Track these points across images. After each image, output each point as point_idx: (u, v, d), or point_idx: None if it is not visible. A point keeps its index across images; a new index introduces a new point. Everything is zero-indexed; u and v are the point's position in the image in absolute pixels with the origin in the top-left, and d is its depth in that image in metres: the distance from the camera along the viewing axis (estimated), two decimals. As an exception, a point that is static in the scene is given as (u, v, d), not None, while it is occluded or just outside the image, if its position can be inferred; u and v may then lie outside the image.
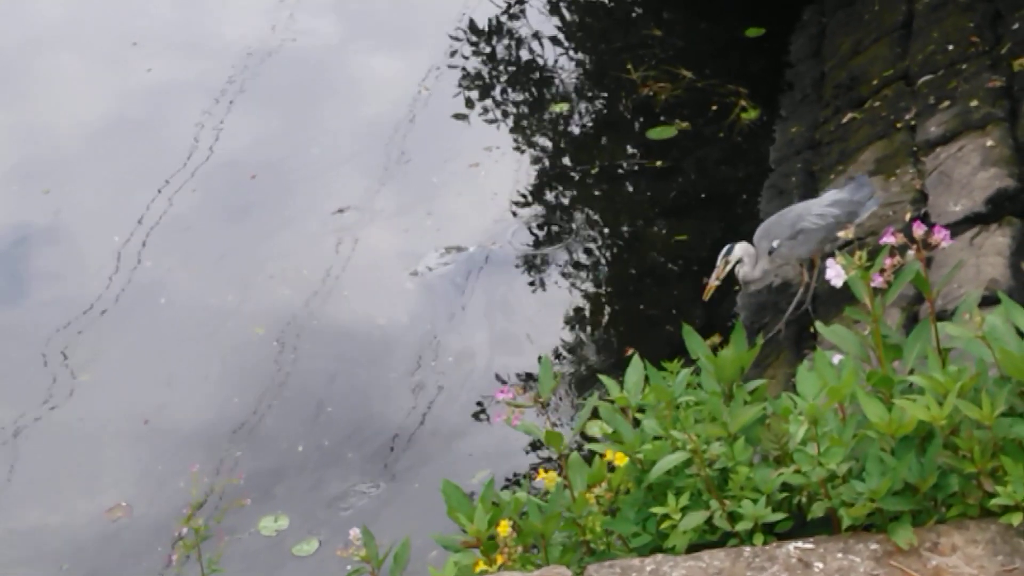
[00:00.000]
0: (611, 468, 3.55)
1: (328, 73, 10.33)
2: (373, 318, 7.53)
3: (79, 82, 10.43)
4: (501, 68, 10.09)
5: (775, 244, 6.37)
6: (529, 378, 6.91)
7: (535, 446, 6.41)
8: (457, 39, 10.39)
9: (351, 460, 6.64)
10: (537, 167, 8.81)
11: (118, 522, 6.39)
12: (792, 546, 3.28)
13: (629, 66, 9.58)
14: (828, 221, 6.30)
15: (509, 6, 10.81)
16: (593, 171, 8.63)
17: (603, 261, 7.88)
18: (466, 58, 10.17)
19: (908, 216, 6.68)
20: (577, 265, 7.82)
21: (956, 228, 6.28)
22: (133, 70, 10.42)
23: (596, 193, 8.46)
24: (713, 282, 6.46)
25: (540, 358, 5.93)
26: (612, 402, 3.77)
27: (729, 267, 6.41)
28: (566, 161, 8.91)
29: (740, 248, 6.40)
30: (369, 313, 7.56)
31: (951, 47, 8.02)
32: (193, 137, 9.36)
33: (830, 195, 6.56)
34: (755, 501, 3.29)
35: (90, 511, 6.45)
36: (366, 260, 8.01)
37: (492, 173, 8.73)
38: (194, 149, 9.22)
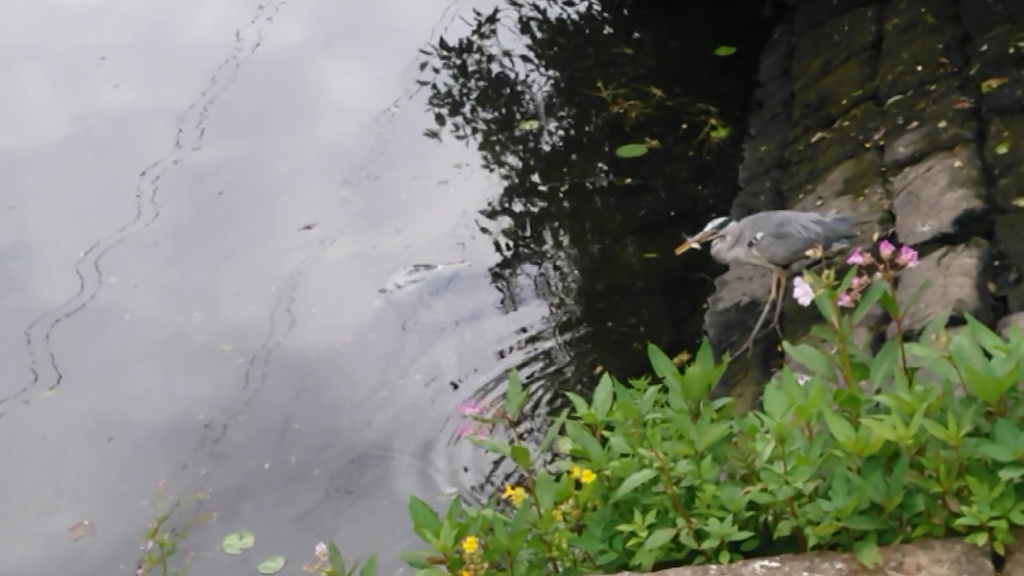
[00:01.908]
0: (578, 485, 3.54)
1: (297, 90, 10.33)
2: (340, 335, 7.51)
3: (46, 97, 10.40)
4: (471, 86, 10.10)
5: (759, 236, 6.40)
6: (497, 396, 6.89)
7: (503, 463, 6.39)
8: (428, 57, 10.40)
9: (318, 477, 6.60)
10: (506, 184, 8.80)
11: (81, 541, 6.32)
12: (758, 564, 3.27)
13: (599, 84, 9.59)
14: (811, 235, 6.36)
15: (480, 24, 10.82)
16: (562, 188, 8.63)
17: (572, 278, 7.87)
18: (436, 72, 10.18)
19: (876, 236, 6.69)
20: (546, 282, 7.81)
21: (924, 248, 6.30)
22: (100, 85, 10.40)
23: (565, 210, 8.46)
24: (692, 242, 6.50)
25: (509, 373, 5.93)
26: (580, 419, 3.76)
27: (713, 237, 6.44)
28: (535, 178, 8.91)
29: (732, 227, 6.48)
30: (337, 330, 7.54)
31: (920, 68, 8.06)
32: (160, 153, 9.33)
33: (813, 215, 6.63)
34: (721, 519, 3.28)
35: (53, 530, 6.38)
36: (334, 277, 7.99)
37: (461, 190, 8.72)
38: (161, 165, 9.19)
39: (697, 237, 6.49)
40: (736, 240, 6.46)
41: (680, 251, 6.56)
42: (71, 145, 9.63)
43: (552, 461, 5.18)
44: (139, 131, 9.72)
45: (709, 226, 6.47)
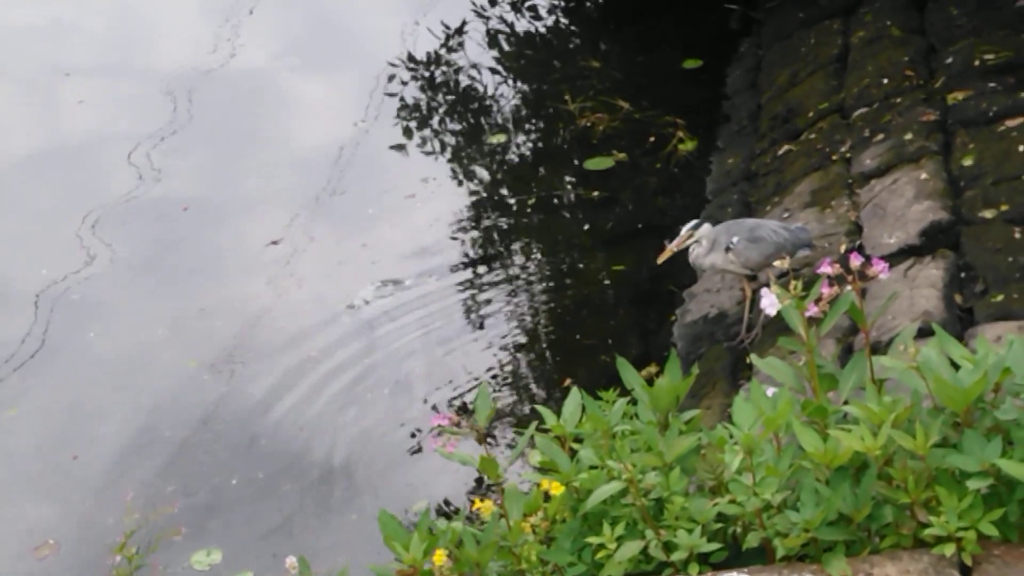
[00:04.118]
0: (547, 497, 3.53)
1: (263, 105, 10.30)
2: (308, 351, 7.46)
3: (10, 112, 10.34)
4: (439, 99, 10.09)
5: (735, 240, 6.47)
6: (466, 409, 6.87)
7: (472, 475, 6.37)
8: (395, 70, 10.39)
9: (286, 492, 6.56)
10: (474, 198, 8.79)
11: (45, 560, 6.25)
12: (727, 576, 3.27)
13: (567, 97, 9.60)
14: (781, 238, 6.46)
15: (448, 37, 10.83)
16: (530, 202, 8.63)
17: (540, 291, 7.86)
18: (404, 85, 10.19)
19: (843, 248, 6.72)
20: (514, 296, 7.80)
21: (890, 260, 6.32)
22: (65, 101, 10.36)
23: (533, 223, 8.46)
24: (671, 248, 6.57)
25: (478, 387, 5.91)
26: (549, 431, 3.75)
27: (691, 241, 6.52)
28: (503, 192, 8.90)
29: (705, 228, 6.57)
30: (304, 346, 7.49)
31: (886, 81, 8.10)
32: (124, 168, 9.28)
33: (777, 222, 6.73)
34: (690, 531, 3.27)
35: (17, 549, 6.30)
36: (301, 293, 7.95)
37: (429, 204, 8.70)
38: (126, 180, 9.14)
39: (675, 243, 6.55)
40: (712, 246, 6.52)
41: (662, 259, 6.62)
42: (35, 160, 9.58)
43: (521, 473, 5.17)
44: (104, 146, 9.67)
45: (684, 229, 6.54)
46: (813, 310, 3.47)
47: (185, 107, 10.10)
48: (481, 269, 8.06)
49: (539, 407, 3.92)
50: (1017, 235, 6.29)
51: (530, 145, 9.49)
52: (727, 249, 6.50)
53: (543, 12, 11.19)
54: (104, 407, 7.16)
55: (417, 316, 7.69)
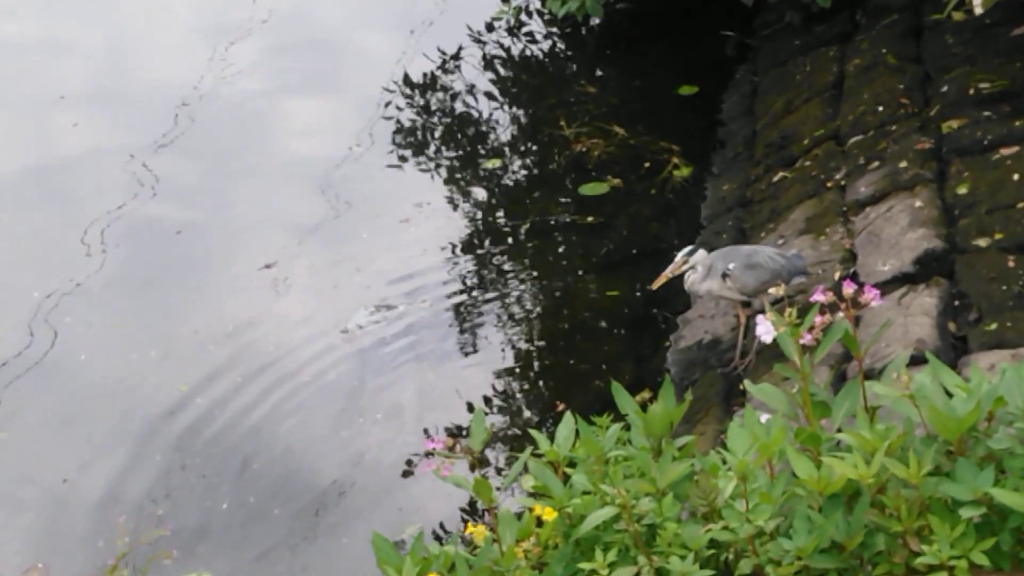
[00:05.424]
0: (540, 523, 3.53)
1: (258, 127, 10.30)
2: (300, 375, 7.44)
3: (2, 134, 10.33)
4: (434, 123, 10.11)
5: (731, 266, 6.49)
6: (459, 434, 6.85)
7: (465, 500, 6.36)
8: (391, 95, 10.41)
9: (278, 516, 6.54)
10: (468, 223, 8.79)
11: (34, 584, 6.24)
12: (720, 604, 3.26)
13: (562, 122, 9.61)
14: (777, 264, 6.48)
15: (444, 62, 10.85)
16: (524, 227, 8.63)
17: (534, 316, 7.86)
18: (400, 109, 10.20)
19: (837, 275, 6.73)
20: (508, 321, 7.79)
21: (884, 288, 6.33)
22: (59, 124, 10.36)
23: (527, 249, 8.45)
24: (666, 274, 6.61)
25: (472, 410, 5.90)
26: (542, 456, 3.75)
27: (686, 267, 6.54)
28: (498, 216, 8.90)
29: (700, 255, 6.58)
30: (296, 370, 7.47)
31: (881, 108, 8.11)
32: (119, 191, 9.27)
33: (773, 248, 6.74)
34: (683, 557, 3.26)
35: (6, 572, 6.28)
36: (294, 317, 7.93)
37: (423, 229, 8.70)
38: (119, 203, 9.13)
39: (670, 269, 6.57)
40: (708, 272, 6.53)
41: (656, 285, 6.63)
42: (28, 183, 9.58)
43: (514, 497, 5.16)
44: (97, 169, 9.65)
45: (679, 256, 6.55)
46: (807, 338, 3.48)
47: (179, 130, 10.10)
48: (475, 294, 8.05)
49: (533, 432, 3.92)
50: (1011, 263, 6.30)
51: (525, 170, 9.49)
52: (724, 275, 6.50)
53: (539, 37, 11.22)
54: (95, 430, 7.13)
55: (410, 340, 7.68)
